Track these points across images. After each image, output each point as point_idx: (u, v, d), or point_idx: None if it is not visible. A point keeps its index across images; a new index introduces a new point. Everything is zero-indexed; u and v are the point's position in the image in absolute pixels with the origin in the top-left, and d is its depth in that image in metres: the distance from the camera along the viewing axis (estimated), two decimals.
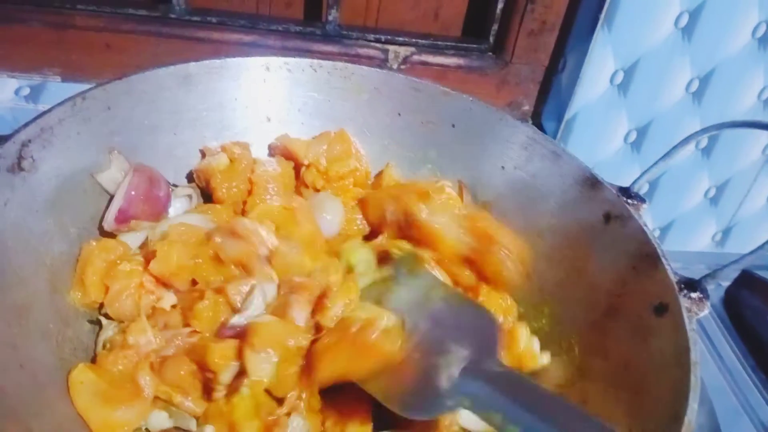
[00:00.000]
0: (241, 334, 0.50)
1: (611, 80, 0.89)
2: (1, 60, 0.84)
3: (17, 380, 0.43)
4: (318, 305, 0.53)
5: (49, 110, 0.54)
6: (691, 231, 1.07)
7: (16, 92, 0.85)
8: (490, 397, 0.43)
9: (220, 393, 0.50)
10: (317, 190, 0.68)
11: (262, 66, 0.67)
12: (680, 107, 0.92)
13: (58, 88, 0.86)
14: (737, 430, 0.69)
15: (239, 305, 0.54)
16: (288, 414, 0.49)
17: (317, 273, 0.56)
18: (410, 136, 0.70)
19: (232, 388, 0.49)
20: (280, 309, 0.52)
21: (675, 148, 0.57)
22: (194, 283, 0.56)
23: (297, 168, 0.69)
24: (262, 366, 0.48)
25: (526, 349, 0.56)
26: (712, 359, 0.76)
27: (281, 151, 0.69)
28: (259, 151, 0.69)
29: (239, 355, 0.49)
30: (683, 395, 0.43)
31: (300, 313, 0.52)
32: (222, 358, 0.48)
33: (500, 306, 0.60)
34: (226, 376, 0.49)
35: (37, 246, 0.51)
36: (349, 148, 0.70)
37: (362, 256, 0.59)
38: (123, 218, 0.58)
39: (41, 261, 0.51)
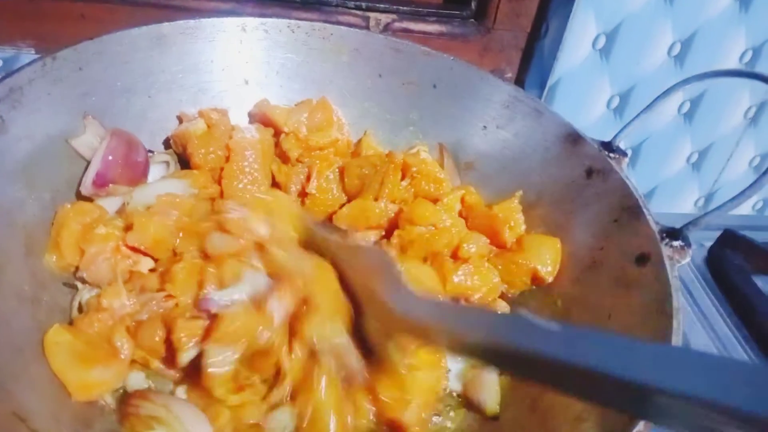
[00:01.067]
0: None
1: (593, 45, 0.88)
2: None
3: None
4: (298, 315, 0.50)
5: (18, 70, 0.52)
6: (674, 196, 1.07)
7: None
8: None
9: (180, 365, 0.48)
10: (297, 160, 0.66)
11: (238, 27, 0.65)
12: (662, 71, 0.91)
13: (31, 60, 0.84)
14: None
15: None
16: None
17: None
18: (391, 98, 0.70)
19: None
20: (259, 301, 0.49)
21: (657, 100, 0.57)
22: (175, 253, 0.55)
23: (277, 135, 0.67)
24: (220, 360, 0.45)
25: None
26: (695, 317, 0.76)
27: (260, 118, 0.68)
28: (238, 115, 0.67)
29: (204, 338, 0.46)
30: (666, 340, 0.43)
31: (279, 309, 0.48)
32: (187, 336, 0.46)
33: (488, 281, 0.58)
34: (185, 357, 0.47)
35: (10, 208, 0.50)
36: (331, 116, 0.69)
37: None
38: (101, 182, 0.56)
39: (14, 223, 0.49)
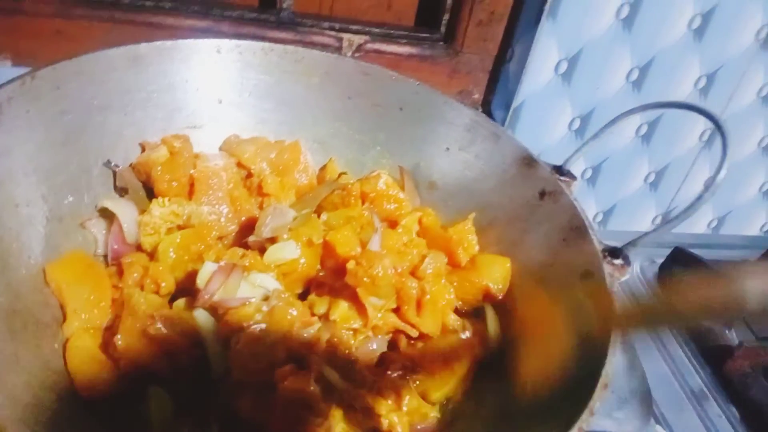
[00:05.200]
0: None
1: (556, 69, 0.93)
2: None
3: None
4: None
5: None
6: (633, 214, 1.12)
7: None
8: None
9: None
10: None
11: (213, 48, 0.68)
12: (621, 95, 0.96)
13: (9, 74, 0.85)
14: (667, 394, 0.74)
15: None
16: None
17: None
18: (360, 119, 0.73)
19: None
20: None
21: (606, 126, 0.61)
22: None
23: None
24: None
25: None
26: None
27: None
28: (211, 134, 0.70)
29: None
30: (603, 350, 0.46)
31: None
32: None
33: (442, 297, 0.60)
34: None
35: None
36: (298, 158, 0.71)
37: None
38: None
39: None
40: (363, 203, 0.66)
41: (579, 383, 0.45)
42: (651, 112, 1.00)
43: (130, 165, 0.65)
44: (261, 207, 0.67)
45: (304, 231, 0.60)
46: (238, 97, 0.71)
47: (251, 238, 0.59)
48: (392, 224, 0.66)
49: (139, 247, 0.61)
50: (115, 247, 0.61)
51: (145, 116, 0.66)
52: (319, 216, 0.65)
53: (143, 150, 0.66)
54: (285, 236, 0.58)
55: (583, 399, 0.42)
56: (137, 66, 0.64)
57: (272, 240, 0.59)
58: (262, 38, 0.87)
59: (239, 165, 0.69)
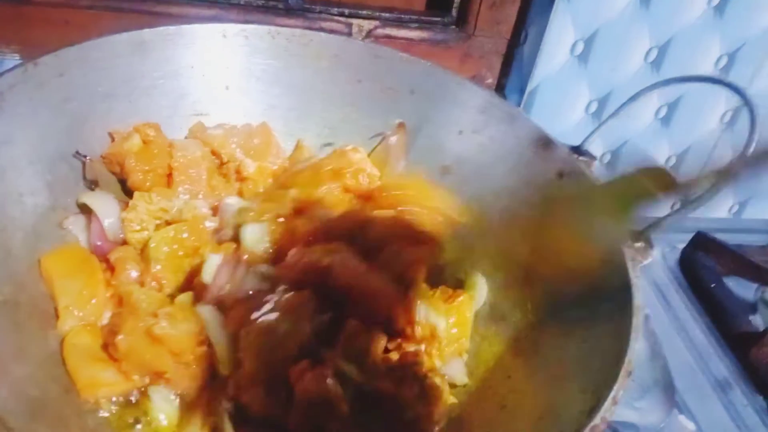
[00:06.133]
0: None
1: (571, 51, 0.90)
2: None
3: None
4: None
5: (0, 75, 0.53)
6: None
7: None
8: None
9: None
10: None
11: (218, 33, 0.66)
12: (639, 76, 0.93)
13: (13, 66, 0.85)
14: (691, 384, 0.72)
15: None
16: None
17: None
18: (371, 102, 0.71)
19: None
20: None
21: (626, 103, 0.59)
22: None
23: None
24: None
25: None
26: (667, 318, 0.78)
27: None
28: (217, 121, 0.68)
29: None
30: (625, 337, 0.44)
31: None
32: None
33: None
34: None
35: None
36: (270, 141, 0.69)
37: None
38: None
39: None
40: (337, 179, 0.63)
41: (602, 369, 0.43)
42: (671, 93, 0.97)
43: (101, 156, 0.61)
44: (240, 193, 0.65)
45: (268, 207, 0.58)
46: (245, 83, 0.69)
47: (218, 236, 0.58)
48: (366, 199, 0.62)
49: (124, 242, 0.58)
50: (99, 243, 0.57)
51: (150, 103, 0.64)
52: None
53: (113, 139, 0.62)
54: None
55: (607, 387, 0.41)
56: (141, 52, 0.63)
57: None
58: (271, 25, 0.85)
59: (213, 153, 0.66)
